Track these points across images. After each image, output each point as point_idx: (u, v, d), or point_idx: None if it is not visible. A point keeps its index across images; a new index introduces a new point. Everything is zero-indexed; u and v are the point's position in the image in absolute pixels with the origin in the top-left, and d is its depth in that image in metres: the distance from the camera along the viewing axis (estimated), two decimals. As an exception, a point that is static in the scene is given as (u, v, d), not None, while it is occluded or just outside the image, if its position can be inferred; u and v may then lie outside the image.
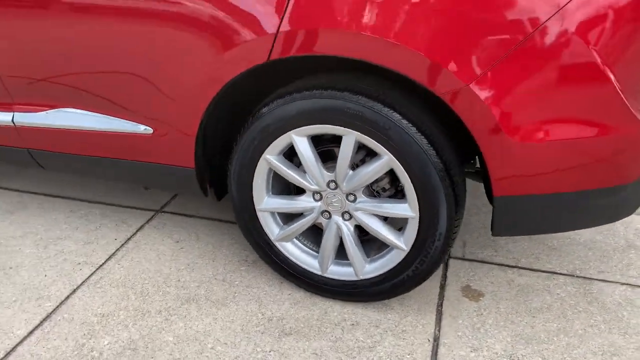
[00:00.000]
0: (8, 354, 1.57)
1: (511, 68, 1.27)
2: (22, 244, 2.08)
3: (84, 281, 1.87)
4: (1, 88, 1.85)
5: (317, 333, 1.64)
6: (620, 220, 1.97)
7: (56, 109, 1.82)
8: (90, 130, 1.80)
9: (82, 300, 1.78)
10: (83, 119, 1.79)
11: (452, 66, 1.28)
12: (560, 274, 1.88)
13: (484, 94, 1.29)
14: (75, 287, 1.84)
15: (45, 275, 1.90)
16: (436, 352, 1.56)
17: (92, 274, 1.90)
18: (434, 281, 1.85)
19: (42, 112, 1.85)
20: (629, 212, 1.51)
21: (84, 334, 1.63)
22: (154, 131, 1.71)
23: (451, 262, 1.95)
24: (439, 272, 1.89)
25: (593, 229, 2.12)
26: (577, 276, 1.87)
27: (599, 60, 1.24)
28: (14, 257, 2.01)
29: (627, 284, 1.82)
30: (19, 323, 1.68)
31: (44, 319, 1.70)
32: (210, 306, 1.75)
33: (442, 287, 1.83)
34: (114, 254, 2.01)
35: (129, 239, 2.10)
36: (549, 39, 1.24)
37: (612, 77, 1.26)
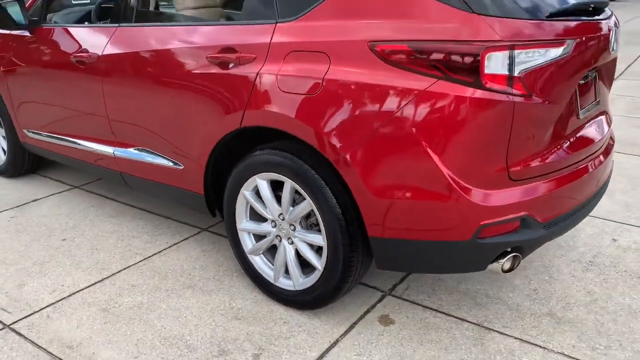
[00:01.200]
0: (74, 293, 2.46)
1: (371, 146, 1.87)
2: (109, 237, 3.04)
3: (133, 264, 2.73)
4: (109, 131, 2.87)
5: (256, 322, 2.27)
6: (558, 293, 2.34)
7: (135, 147, 2.78)
8: (152, 163, 2.71)
9: (126, 275, 2.64)
10: (148, 156, 2.71)
11: (337, 142, 1.92)
12: (469, 322, 2.27)
13: (355, 162, 1.90)
14: (126, 266, 2.71)
15: (113, 257, 2.81)
16: (329, 349, 2.10)
17: (140, 261, 2.76)
18: (363, 306, 2.37)
19: (129, 148, 2.82)
20: (476, 267, 1.94)
21: (119, 293, 2.47)
22: (183, 167, 2.55)
23: (387, 297, 2.44)
24: (370, 301, 2.40)
25: (526, 294, 2.44)
26: (482, 326, 2.25)
27: (428, 149, 1.79)
28: (100, 243, 2.96)
29: (519, 339, 2.16)
30: (88, 277, 2.58)
31: (103, 279, 2.58)
32: (200, 294, 2.48)
33: (367, 311, 2.34)
34: (160, 251, 2.86)
35: (175, 244, 2.94)
36: (395, 130, 1.82)
37: (436, 159, 1.79)
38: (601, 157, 2.31)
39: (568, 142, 2.08)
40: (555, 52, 1.84)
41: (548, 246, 2.87)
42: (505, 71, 1.75)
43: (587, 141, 2.19)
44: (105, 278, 2.62)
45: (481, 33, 1.74)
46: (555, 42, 1.84)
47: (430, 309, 2.37)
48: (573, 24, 1.94)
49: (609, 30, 2.12)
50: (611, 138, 2.56)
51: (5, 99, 3.55)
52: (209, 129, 2.34)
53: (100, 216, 3.29)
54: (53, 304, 2.42)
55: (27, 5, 3.26)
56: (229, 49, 2.22)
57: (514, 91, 1.77)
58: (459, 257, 1.93)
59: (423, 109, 1.79)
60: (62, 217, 3.28)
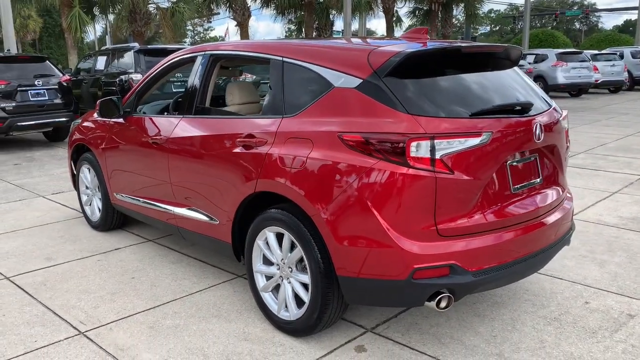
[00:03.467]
0: (132, 315, 3.26)
1: (336, 206, 2.57)
2: (166, 278, 3.85)
3: (179, 298, 3.50)
4: (172, 194, 3.75)
5: (259, 343, 2.92)
6: (513, 339, 2.81)
7: (188, 207, 3.63)
8: (198, 219, 3.53)
9: (172, 305, 3.40)
10: (195, 213, 3.55)
11: (314, 203, 2.64)
12: (428, 355, 2.79)
13: (326, 218, 2.60)
14: (173, 299, 3.49)
15: (166, 292, 3.60)
16: (308, 365, 2.71)
17: (185, 296, 3.53)
18: (345, 338, 2.96)
19: (184, 208, 3.67)
20: (414, 302, 2.51)
21: (164, 317, 3.24)
22: (218, 222, 3.35)
23: (368, 333, 3.01)
24: (353, 335, 2.98)
25: (485, 339, 2.91)
26: (437, 358, 2.75)
27: (373, 209, 2.46)
28: (158, 281, 3.78)
29: (464, 370, 2.65)
30: (144, 304, 3.38)
31: (154, 307, 3.36)
32: (223, 321, 3.18)
33: (348, 342, 2.93)
34: (201, 290, 3.61)
35: (214, 285, 3.69)
36: (351, 195, 2.51)
37: (379, 217, 2.45)
38: (543, 222, 2.82)
39: (497, 209, 2.64)
40: (473, 141, 2.48)
41: (520, 303, 3.32)
42: (428, 155, 2.41)
43: (523, 209, 2.74)
44: (156, 306, 3.40)
45: (410, 128, 2.43)
46: (473, 133, 2.49)
47: (400, 343, 2.91)
48: (492, 120, 2.57)
49: (533, 124, 2.72)
50: (564, 206, 3.05)
51: (103, 169, 4.61)
52: (235, 192, 3.13)
53: (164, 262, 4.14)
54: (116, 320, 3.22)
55: (124, 99, 4.34)
56: (251, 135, 3.05)
57: (437, 169, 2.42)
58: (400, 294, 2.53)
59: (370, 181, 2.48)
60: (134, 262, 4.16)
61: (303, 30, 26.36)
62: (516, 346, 2.86)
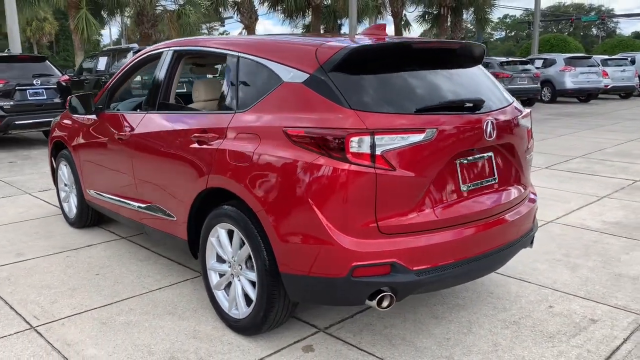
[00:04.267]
0: (88, 310, 3.24)
1: (278, 202, 2.52)
2: (130, 275, 3.83)
3: (138, 295, 3.47)
4: (136, 191, 3.73)
5: (207, 341, 2.88)
6: (467, 342, 2.75)
7: (147, 203, 3.60)
8: (157, 216, 3.50)
9: (130, 302, 3.37)
10: (155, 212, 3.52)
11: (259, 199, 2.59)
12: (375, 355, 2.73)
13: (269, 214, 2.55)
14: (132, 296, 3.46)
15: (126, 288, 3.58)
16: (251, 364, 2.66)
17: (144, 293, 3.50)
18: (295, 337, 2.90)
19: (145, 204, 3.65)
20: (354, 301, 2.46)
21: (119, 313, 3.21)
22: (176, 218, 3.31)
23: (319, 333, 2.96)
24: (303, 334, 2.93)
25: (437, 341, 2.84)
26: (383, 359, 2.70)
27: (313, 205, 2.41)
28: (122, 278, 3.75)
29: (409, 372, 2.58)
30: (102, 301, 3.36)
31: (112, 303, 3.34)
32: (176, 319, 3.15)
33: (297, 341, 2.88)
34: (162, 287, 3.58)
35: (176, 283, 3.66)
36: (292, 190, 2.46)
37: (319, 213, 2.40)
38: (497, 222, 2.75)
39: (444, 207, 2.58)
40: (416, 138, 2.43)
41: (482, 306, 3.24)
42: (368, 150, 2.36)
43: (473, 208, 2.67)
44: (114, 302, 3.37)
45: (351, 123, 2.38)
46: (416, 130, 2.43)
47: (350, 344, 2.85)
48: (437, 117, 2.51)
49: (483, 121, 2.65)
50: (521, 209, 2.97)
51: (77, 166, 4.61)
52: (190, 189, 3.10)
53: (132, 260, 4.12)
54: (70, 316, 3.20)
55: (96, 96, 4.34)
56: (204, 130, 3.01)
57: (377, 165, 2.36)
58: (340, 292, 2.47)
59: (311, 177, 2.43)
60: (103, 259, 4.15)
61: (311, 33, 26.32)
62: (468, 349, 2.79)
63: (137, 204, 3.76)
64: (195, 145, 3.04)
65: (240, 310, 2.89)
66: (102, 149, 4.12)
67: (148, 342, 2.88)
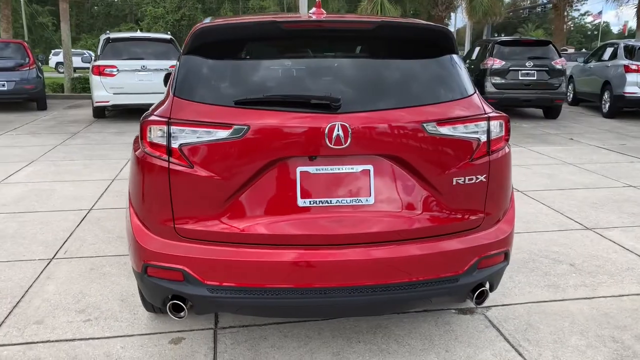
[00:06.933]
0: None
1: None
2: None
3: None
4: None
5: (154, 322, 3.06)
6: None
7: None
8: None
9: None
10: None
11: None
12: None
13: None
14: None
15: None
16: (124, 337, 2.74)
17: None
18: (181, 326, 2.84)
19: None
20: (153, 299, 2.28)
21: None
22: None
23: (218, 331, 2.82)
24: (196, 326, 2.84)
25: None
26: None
27: (130, 193, 2.33)
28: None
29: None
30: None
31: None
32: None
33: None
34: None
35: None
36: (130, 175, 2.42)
37: (129, 201, 2.30)
38: (347, 253, 2.15)
39: (266, 222, 2.14)
40: (221, 134, 2.08)
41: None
42: (164, 142, 2.14)
43: (311, 230, 2.14)
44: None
45: (161, 111, 2.19)
46: (221, 125, 2.08)
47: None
48: (254, 112, 2.09)
49: (327, 123, 2.07)
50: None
51: None
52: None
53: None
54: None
55: None
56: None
57: (172, 160, 2.13)
58: (144, 289, 2.33)
59: (131, 164, 2.35)
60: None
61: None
62: None
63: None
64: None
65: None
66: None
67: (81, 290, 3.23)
